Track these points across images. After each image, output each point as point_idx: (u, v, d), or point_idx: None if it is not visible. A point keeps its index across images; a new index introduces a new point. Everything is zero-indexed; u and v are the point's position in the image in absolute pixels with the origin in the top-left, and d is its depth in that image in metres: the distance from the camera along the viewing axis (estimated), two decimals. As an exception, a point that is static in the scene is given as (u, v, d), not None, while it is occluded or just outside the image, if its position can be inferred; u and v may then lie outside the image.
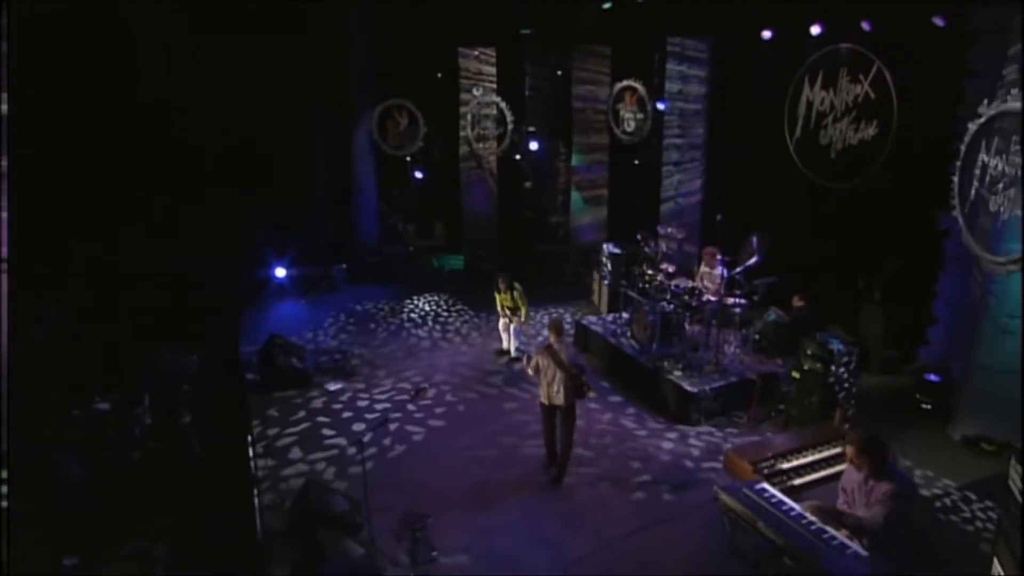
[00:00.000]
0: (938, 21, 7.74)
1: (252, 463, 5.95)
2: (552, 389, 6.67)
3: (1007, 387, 7.05)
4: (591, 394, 6.97)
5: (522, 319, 9.49)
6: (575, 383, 6.59)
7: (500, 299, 9.58)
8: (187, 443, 6.25)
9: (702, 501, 6.04)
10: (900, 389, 8.27)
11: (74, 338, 6.82)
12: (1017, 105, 6.07)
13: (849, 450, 4.68)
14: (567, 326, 10.63)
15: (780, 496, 5.07)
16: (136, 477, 5.82)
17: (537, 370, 6.79)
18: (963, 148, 6.86)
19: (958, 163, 6.92)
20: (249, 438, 6.22)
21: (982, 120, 6.61)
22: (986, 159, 6.56)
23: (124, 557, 5.25)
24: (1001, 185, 6.32)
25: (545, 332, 10.62)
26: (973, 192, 6.72)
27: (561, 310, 11.49)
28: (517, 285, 9.52)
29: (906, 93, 8.25)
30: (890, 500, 4.45)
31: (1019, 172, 6.08)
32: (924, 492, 6.46)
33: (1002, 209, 6.29)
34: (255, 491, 5.75)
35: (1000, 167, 6.32)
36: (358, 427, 7.67)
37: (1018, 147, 6.09)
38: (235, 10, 10.01)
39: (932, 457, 7.02)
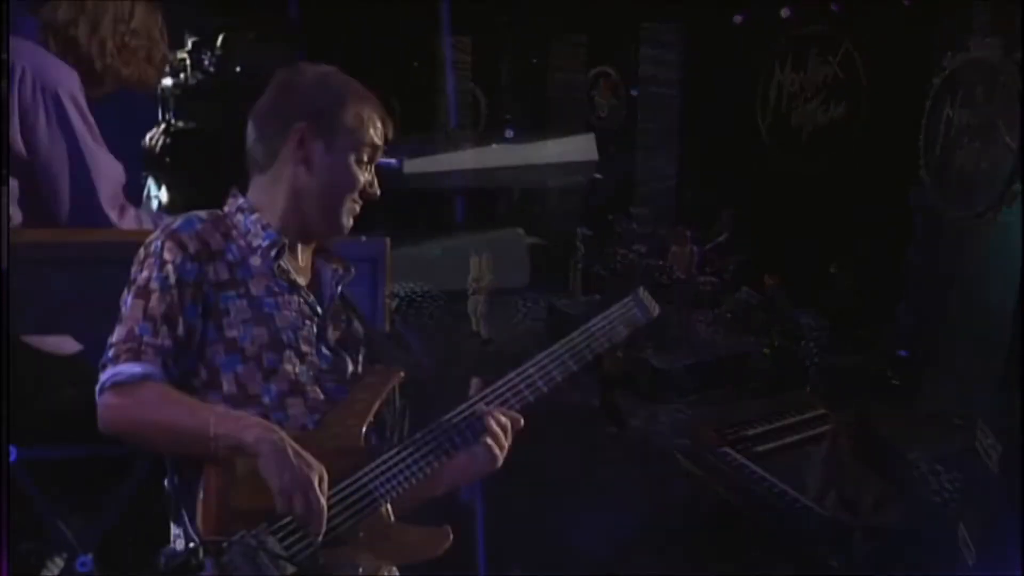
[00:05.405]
0: (905, -1, 7.77)
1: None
2: None
3: (973, 360, 7.08)
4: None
5: (486, 285, 9.33)
6: None
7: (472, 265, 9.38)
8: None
9: (670, 475, 5.98)
10: (870, 366, 8.27)
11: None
12: (981, 53, 6.06)
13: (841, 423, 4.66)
14: (542, 311, 10.62)
15: (742, 459, 5.03)
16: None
17: None
18: (928, 104, 6.84)
19: (924, 120, 6.91)
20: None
21: (946, 72, 6.59)
22: (951, 113, 6.54)
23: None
24: (967, 138, 6.31)
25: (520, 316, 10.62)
26: (939, 148, 6.71)
27: (536, 294, 11.44)
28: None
29: (874, 72, 8.28)
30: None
31: (984, 123, 6.06)
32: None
33: (968, 162, 6.28)
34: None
35: (966, 120, 6.30)
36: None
37: (984, 98, 6.06)
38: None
39: (901, 431, 7.00)
